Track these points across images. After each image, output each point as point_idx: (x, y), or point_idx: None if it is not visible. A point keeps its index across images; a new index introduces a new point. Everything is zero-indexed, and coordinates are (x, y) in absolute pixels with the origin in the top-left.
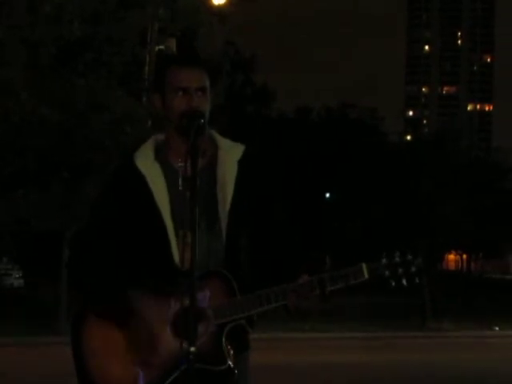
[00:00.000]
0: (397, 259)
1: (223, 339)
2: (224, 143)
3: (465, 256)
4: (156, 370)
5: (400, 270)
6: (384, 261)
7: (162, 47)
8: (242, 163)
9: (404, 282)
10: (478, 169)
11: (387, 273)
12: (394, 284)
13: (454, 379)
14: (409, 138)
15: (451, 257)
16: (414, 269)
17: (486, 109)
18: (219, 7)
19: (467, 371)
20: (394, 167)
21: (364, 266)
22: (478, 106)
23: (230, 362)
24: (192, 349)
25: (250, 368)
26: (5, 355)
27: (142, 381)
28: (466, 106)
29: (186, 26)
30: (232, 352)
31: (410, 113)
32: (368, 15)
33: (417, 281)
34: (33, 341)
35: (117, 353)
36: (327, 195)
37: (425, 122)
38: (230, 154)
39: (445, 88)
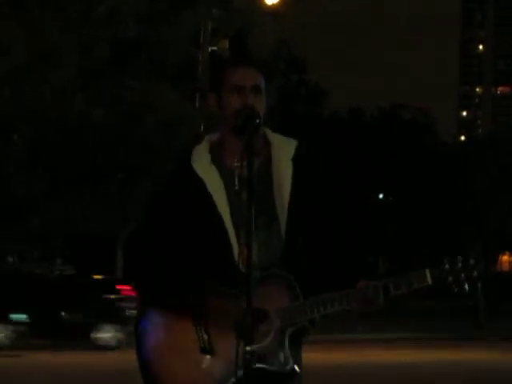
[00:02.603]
0: (459, 264)
1: (286, 341)
2: (276, 140)
3: None
4: (218, 371)
5: (462, 276)
6: (447, 266)
7: (215, 48)
8: (296, 161)
9: (466, 287)
10: None
11: (450, 278)
12: (456, 290)
13: (507, 381)
14: (462, 138)
15: (505, 258)
16: (475, 274)
17: None
18: (273, 7)
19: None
20: (448, 168)
21: (427, 271)
22: None
23: (293, 364)
24: (248, 348)
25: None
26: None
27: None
28: None
29: (239, 27)
30: (295, 353)
31: (464, 113)
32: (421, 15)
33: (479, 285)
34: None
35: (183, 353)
36: (380, 196)
37: (478, 122)
38: (284, 152)
39: (499, 88)
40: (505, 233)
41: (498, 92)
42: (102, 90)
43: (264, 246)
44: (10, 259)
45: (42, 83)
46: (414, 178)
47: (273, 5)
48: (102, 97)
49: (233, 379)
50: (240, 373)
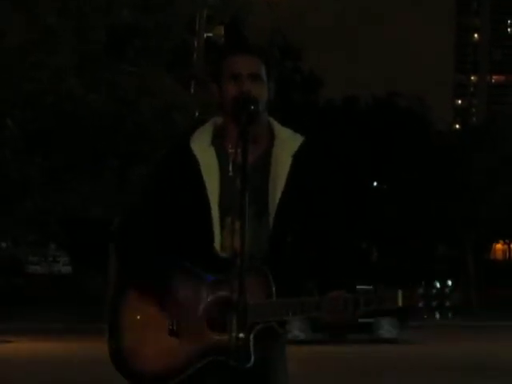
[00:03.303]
0: (434, 291)
1: (251, 337)
2: (282, 133)
3: None
4: (183, 355)
5: (434, 303)
6: (421, 291)
7: (210, 35)
8: (297, 157)
9: (437, 315)
10: None
11: (421, 304)
12: (425, 316)
13: (500, 368)
14: (457, 126)
15: (498, 246)
16: (448, 303)
17: None
18: None
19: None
20: (442, 156)
21: (400, 293)
22: None
23: (254, 362)
24: (241, 335)
25: (286, 356)
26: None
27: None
28: None
29: (234, 14)
30: (263, 348)
31: (459, 102)
32: (416, 2)
33: (449, 316)
34: (83, 328)
35: (153, 328)
36: (374, 184)
37: (473, 110)
38: (287, 146)
39: (494, 77)
40: (499, 221)
41: (493, 81)
42: (98, 76)
43: (250, 237)
44: (4, 244)
45: (39, 67)
46: (409, 166)
47: None
48: (98, 82)
49: (193, 367)
50: (201, 364)
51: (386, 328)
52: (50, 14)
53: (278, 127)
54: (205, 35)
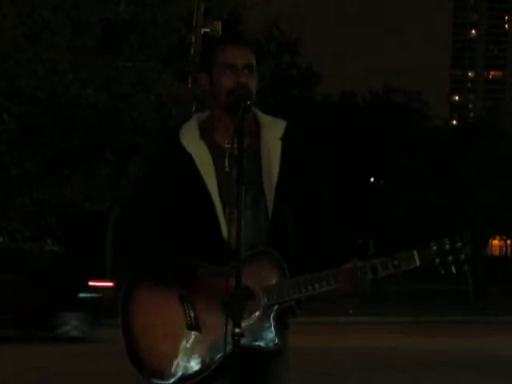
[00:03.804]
0: (447, 246)
1: (272, 318)
2: (266, 120)
3: (509, 241)
4: (204, 348)
5: (450, 258)
6: (434, 248)
7: (207, 30)
8: (284, 140)
9: (453, 269)
10: None
11: (437, 260)
12: (443, 271)
13: (498, 364)
14: (454, 122)
15: (495, 242)
16: (463, 256)
17: None
18: None
19: (509, 357)
20: (438, 152)
21: (415, 252)
22: None
23: (279, 342)
24: (237, 330)
25: (289, 348)
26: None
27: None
28: None
29: (231, 9)
30: (281, 332)
31: (456, 97)
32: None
33: (465, 268)
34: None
35: (168, 328)
36: (371, 180)
37: (470, 106)
38: (273, 131)
39: (491, 73)
40: (496, 217)
41: (490, 77)
42: (94, 71)
43: (251, 224)
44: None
45: (35, 62)
46: (405, 162)
47: None
48: (94, 77)
49: (219, 356)
50: (228, 350)
51: (73, 324)
52: (46, 8)
53: (260, 115)
54: (202, 30)
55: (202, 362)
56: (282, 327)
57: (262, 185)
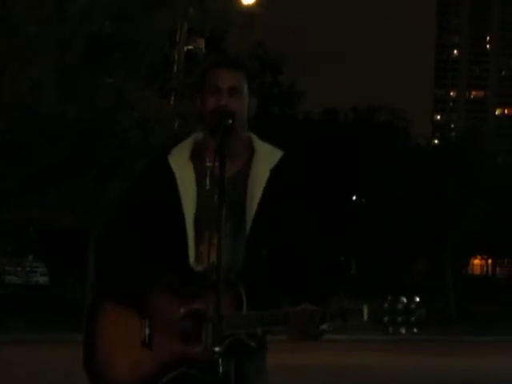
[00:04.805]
0: (399, 306)
1: (219, 350)
2: (261, 148)
3: (490, 261)
4: (152, 367)
5: (399, 319)
6: (386, 306)
7: (190, 47)
8: (275, 171)
9: (403, 330)
10: (503, 173)
11: (386, 319)
12: (391, 330)
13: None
14: (436, 141)
15: (476, 261)
16: (413, 319)
17: None
18: (248, 7)
19: (491, 376)
20: (421, 170)
21: (365, 308)
22: (506, 111)
23: (222, 372)
24: (217, 349)
25: (268, 368)
26: (34, 352)
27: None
28: (494, 111)
29: (214, 27)
30: (232, 361)
31: (438, 117)
32: (396, 18)
33: (415, 331)
34: (60, 338)
35: (127, 340)
36: (353, 198)
37: (452, 126)
38: (266, 161)
39: (473, 92)
40: (476, 236)
41: (472, 96)
42: (77, 86)
43: (228, 252)
44: None
45: (17, 78)
46: (388, 180)
47: (249, 5)
48: (77, 93)
49: (164, 379)
50: (171, 374)
51: None
52: (30, 23)
53: (258, 142)
54: (185, 48)
55: (148, 380)
56: (231, 359)
57: (244, 214)
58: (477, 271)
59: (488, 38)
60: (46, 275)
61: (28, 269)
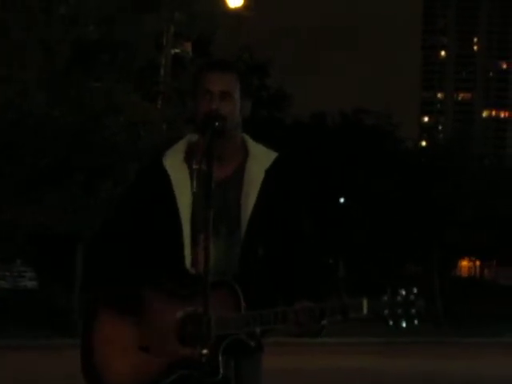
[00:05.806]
0: (399, 298)
1: (220, 351)
2: (255, 149)
3: (478, 262)
4: (150, 370)
5: (399, 311)
6: (385, 299)
7: (177, 51)
8: (269, 172)
9: (403, 323)
10: (491, 175)
11: (386, 311)
12: (391, 323)
13: None
14: (424, 144)
15: (464, 263)
16: (413, 311)
17: (502, 115)
18: (235, 11)
19: (481, 378)
20: (409, 173)
21: (365, 301)
22: (494, 113)
23: (223, 374)
24: (204, 351)
25: (262, 370)
26: (24, 357)
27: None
28: (482, 113)
29: (201, 30)
30: (232, 363)
31: (426, 119)
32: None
33: (415, 323)
34: (48, 344)
35: (124, 342)
36: (341, 200)
37: (440, 128)
38: (260, 162)
39: (460, 94)
40: (464, 238)
41: (460, 98)
42: (63, 91)
43: (224, 254)
44: None
45: (5, 82)
46: (376, 183)
47: (236, 8)
48: (64, 97)
49: (163, 381)
50: (173, 377)
51: None
52: (17, 28)
53: (252, 144)
54: (172, 51)
55: (147, 382)
56: (231, 360)
57: (239, 215)
58: (465, 273)
59: (475, 39)
60: (35, 280)
61: (16, 274)
